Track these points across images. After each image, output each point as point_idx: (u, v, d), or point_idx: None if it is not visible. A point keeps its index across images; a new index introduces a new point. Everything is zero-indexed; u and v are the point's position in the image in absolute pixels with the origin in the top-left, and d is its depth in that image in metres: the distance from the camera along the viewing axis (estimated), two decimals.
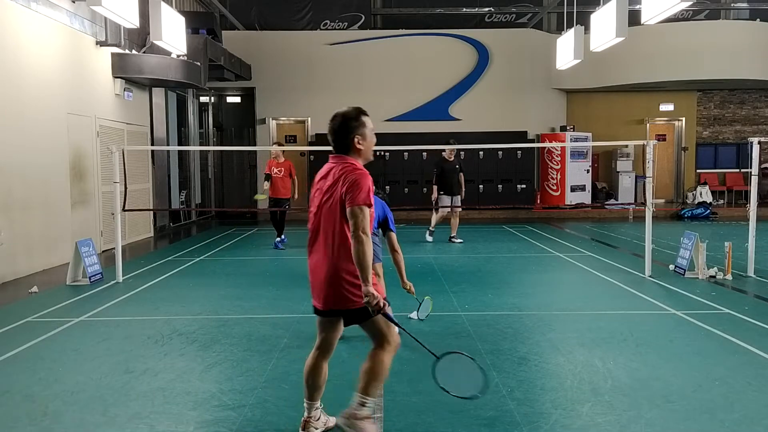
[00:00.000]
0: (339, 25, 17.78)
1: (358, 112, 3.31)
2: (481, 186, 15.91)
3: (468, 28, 17.40)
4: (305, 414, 3.41)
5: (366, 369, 3.25)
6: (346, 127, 3.28)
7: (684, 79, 16.02)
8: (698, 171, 18.04)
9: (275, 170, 10.84)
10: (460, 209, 11.51)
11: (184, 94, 15.65)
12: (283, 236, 11.12)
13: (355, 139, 3.26)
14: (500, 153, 15.84)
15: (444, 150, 11.20)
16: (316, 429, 3.41)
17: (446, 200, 11.21)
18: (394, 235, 4.96)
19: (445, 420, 3.63)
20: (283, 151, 11.10)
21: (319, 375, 3.38)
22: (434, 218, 11.53)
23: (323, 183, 3.26)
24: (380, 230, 5.11)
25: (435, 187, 11.23)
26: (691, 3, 7.69)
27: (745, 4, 18.00)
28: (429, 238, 11.34)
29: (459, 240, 11.26)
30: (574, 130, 16.58)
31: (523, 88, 16.93)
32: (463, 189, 11.44)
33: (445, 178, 11.14)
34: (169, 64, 11.52)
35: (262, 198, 11.26)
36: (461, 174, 11.34)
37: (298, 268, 8.96)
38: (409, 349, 4.99)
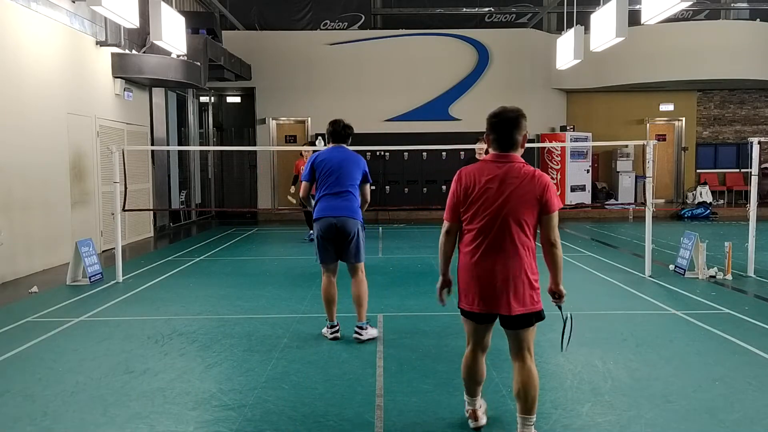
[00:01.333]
0: (339, 25, 17.78)
1: None
2: None
3: (468, 28, 17.39)
4: (470, 407, 3.52)
5: (533, 386, 3.17)
6: (520, 123, 3.20)
7: (684, 79, 16.02)
8: (698, 171, 18.04)
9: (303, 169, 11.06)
10: None
11: (184, 94, 15.65)
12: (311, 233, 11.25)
13: (526, 137, 3.26)
14: None
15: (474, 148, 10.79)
16: (485, 415, 3.55)
17: None
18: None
19: (445, 420, 3.63)
20: (304, 152, 11.38)
21: (482, 373, 3.42)
22: None
23: (494, 183, 3.13)
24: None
25: None
26: (691, 3, 7.69)
27: (745, 4, 18.00)
28: None
29: None
30: (574, 130, 16.58)
31: (523, 88, 16.92)
32: None
33: None
34: (169, 64, 11.52)
35: (293, 200, 11.73)
36: None
37: (298, 268, 8.96)
38: (408, 350, 4.99)
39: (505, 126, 3.18)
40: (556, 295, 3.28)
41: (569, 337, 3.41)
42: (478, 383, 3.44)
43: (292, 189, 11.68)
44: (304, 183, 5.38)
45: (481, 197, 3.16)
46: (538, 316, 3.20)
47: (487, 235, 3.14)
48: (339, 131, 5.40)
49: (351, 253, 5.19)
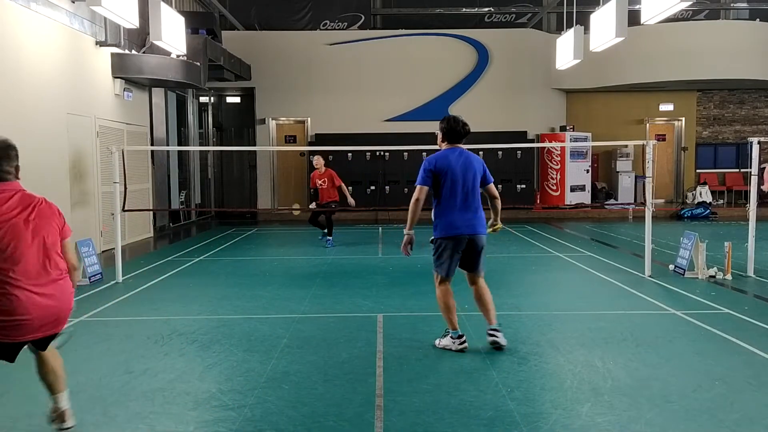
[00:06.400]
0: (339, 25, 17.78)
1: None
2: None
3: (468, 28, 17.40)
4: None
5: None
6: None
7: (684, 79, 16.01)
8: (698, 171, 18.04)
9: (319, 182, 10.93)
10: None
11: (184, 94, 15.65)
12: (330, 237, 11.00)
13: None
14: (500, 153, 15.83)
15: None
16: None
17: None
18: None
19: (445, 420, 3.63)
20: (323, 160, 11.11)
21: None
22: None
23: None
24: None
25: None
26: (691, 3, 7.69)
27: (745, 4, 18.01)
28: None
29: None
30: (573, 130, 16.58)
31: (523, 88, 16.93)
32: None
33: None
34: (168, 65, 11.52)
35: (297, 210, 11.39)
36: None
37: (298, 268, 8.96)
38: (408, 350, 4.99)
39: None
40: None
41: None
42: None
43: (314, 205, 11.17)
44: (422, 188, 4.84)
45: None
46: None
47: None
48: (457, 130, 4.92)
49: (478, 264, 4.97)
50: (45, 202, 3.29)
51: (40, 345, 3.33)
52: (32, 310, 3.10)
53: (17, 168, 3.28)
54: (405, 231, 4.95)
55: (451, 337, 4.94)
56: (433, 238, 4.98)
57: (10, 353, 3.24)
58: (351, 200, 10.98)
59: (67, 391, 3.47)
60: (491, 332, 4.93)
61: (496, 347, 4.88)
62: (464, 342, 4.90)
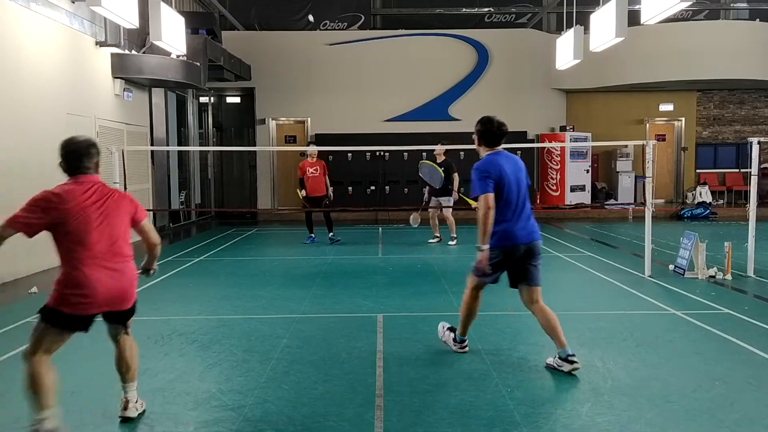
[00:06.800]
0: (339, 26, 17.78)
1: None
2: None
3: (468, 28, 17.39)
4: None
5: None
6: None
7: (683, 79, 16.01)
8: (698, 171, 18.04)
9: (310, 170, 10.98)
10: (441, 210, 11.20)
11: (184, 94, 15.65)
12: (332, 233, 11.12)
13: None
14: None
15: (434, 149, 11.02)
16: None
17: (432, 200, 11.10)
18: None
19: (444, 420, 3.64)
20: (316, 152, 11.23)
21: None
22: (413, 216, 11.04)
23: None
24: None
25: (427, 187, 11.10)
26: (691, 3, 7.70)
27: (744, 4, 18.00)
28: (432, 241, 11.21)
29: (433, 240, 11.14)
30: (573, 130, 16.58)
31: (523, 88, 16.92)
32: (454, 189, 10.78)
33: None
34: (168, 65, 11.52)
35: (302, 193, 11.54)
36: (454, 175, 10.69)
37: (298, 268, 8.96)
38: (408, 350, 5.00)
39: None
40: None
41: None
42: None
43: (303, 192, 11.12)
44: (489, 195, 4.39)
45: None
46: None
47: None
48: (493, 131, 4.60)
49: (535, 275, 4.61)
50: (119, 193, 3.82)
51: (110, 320, 3.79)
52: (98, 286, 3.55)
53: (97, 164, 3.86)
54: (480, 246, 4.43)
55: (455, 339, 4.93)
56: (479, 245, 4.57)
57: (82, 325, 3.68)
58: (330, 193, 11.21)
59: (135, 383, 3.76)
60: (569, 359, 4.38)
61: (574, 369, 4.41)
62: (465, 347, 4.90)
